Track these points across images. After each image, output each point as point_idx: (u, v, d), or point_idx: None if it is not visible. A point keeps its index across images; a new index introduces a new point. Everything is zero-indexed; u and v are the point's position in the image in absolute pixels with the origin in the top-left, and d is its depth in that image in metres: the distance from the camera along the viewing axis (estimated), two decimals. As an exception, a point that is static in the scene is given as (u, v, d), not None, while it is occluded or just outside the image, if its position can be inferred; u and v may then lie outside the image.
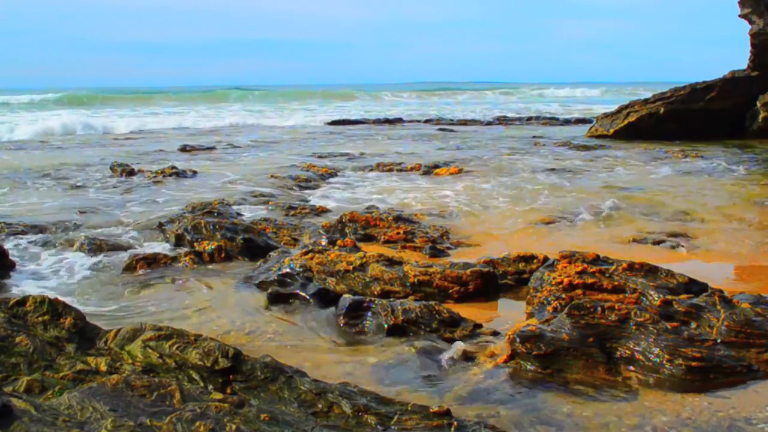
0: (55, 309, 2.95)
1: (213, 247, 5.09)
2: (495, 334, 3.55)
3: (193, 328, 3.14)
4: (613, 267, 3.94)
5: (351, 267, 4.40)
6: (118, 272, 4.78)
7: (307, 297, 4.07)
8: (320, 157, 12.01)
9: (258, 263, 4.85)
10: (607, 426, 2.62)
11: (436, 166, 10.25)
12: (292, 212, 6.79)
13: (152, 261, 4.88)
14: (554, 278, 3.93)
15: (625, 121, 15.04)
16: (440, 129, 19.13)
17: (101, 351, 2.77)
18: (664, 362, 3.06)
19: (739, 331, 3.25)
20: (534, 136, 15.39)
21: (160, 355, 2.68)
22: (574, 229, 6.11)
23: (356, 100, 40.27)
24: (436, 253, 5.30)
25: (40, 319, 2.90)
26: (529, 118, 23.56)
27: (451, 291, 4.21)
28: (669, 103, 14.87)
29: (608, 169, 10.18)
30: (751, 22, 14.97)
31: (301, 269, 4.41)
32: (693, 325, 3.33)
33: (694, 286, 3.81)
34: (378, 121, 22.75)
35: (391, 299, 3.94)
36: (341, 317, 3.75)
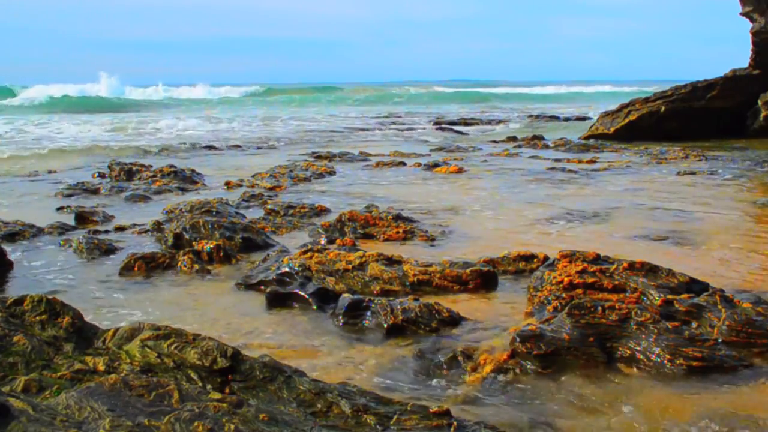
0: (52, 308, 2.93)
1: (212, 246, 5.07)
2: (495, 333, 3.54)
3: (191, 328, 3.12)
4: (614, 266, 3.93)
5: (350, 266, 4.38)
6: (116, 272, 4.76)
7: (306, 296, 4.05)
8: (319, 156, 12.00)
9: (257, 262, 4.84)
10: (608, 426, 2.61)
11: (436, 165, 10.24)
12: (291, 211, 6.77)
13: (150, 260, 4.85)
14: (554, 277, 3.92)
15: (626, 120, 15.00)
16: (440, 128, 19.12)
17: (99, 350, 2.76)
18: (665, 362, 3.04)
19: (741, 331, 3.24)
20: (534, 136, 15.37)
21: (158, 354, 2.66)
22: (574, 228, 6.10)
23: (357, 100, 40.20)
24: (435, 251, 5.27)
25: (37, 318, 2.88)
26: (529, 117, 23.53)
27: (450, 290, 4.20)
28: (670, 102, 14.85)
29: (608, 168, 10.16)
30: (752, 20, 14.94)
31: (300, 268, 4.40)
32: (694, 324, 3.32)
33: (695, 286, 3.80)
34: (378, 119, 22.74)
35: (391, 298, 3.93)
36: (340, 316, 3.73)
